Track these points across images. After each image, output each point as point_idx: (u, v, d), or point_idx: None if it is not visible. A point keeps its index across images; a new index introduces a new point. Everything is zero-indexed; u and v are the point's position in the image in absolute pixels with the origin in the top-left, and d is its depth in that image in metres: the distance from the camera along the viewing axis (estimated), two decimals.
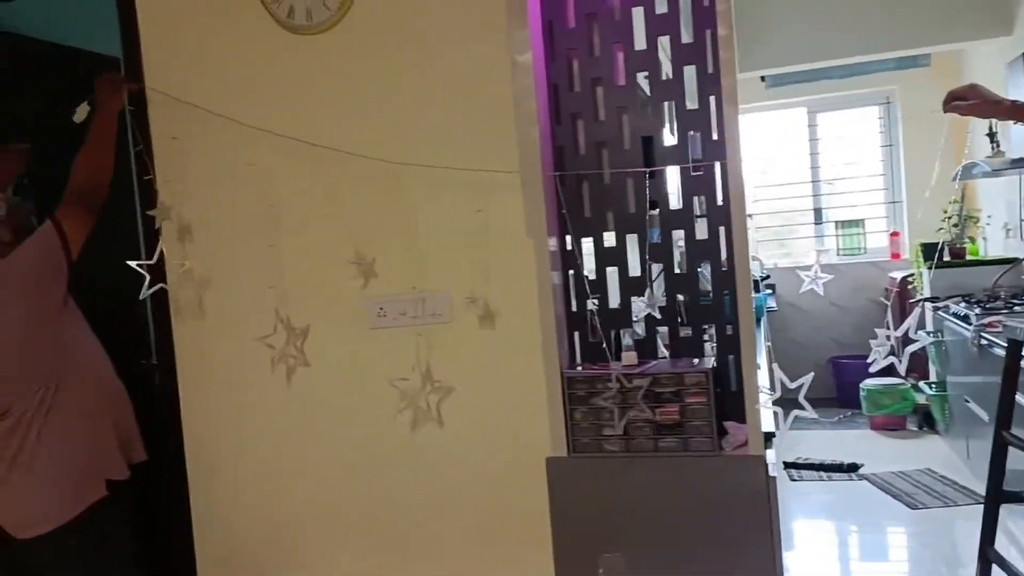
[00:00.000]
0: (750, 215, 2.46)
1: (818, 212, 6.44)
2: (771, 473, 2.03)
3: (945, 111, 2.02)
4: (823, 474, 4.35)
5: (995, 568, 2.44)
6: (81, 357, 1.96)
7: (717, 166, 2.15)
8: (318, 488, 2.36)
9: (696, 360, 2.15)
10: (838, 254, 6.28)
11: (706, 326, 2.24)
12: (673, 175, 2.22)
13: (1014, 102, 2.02)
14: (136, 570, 2.04)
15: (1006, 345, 2.22)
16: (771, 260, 6.40)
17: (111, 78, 2.22)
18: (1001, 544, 3.33)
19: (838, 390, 5.88)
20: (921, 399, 5.02)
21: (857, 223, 6.25)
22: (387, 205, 2.24)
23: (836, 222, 6.33)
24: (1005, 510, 3.55)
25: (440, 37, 2.18)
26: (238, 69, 2.32)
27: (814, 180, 6.41)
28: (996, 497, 1.58)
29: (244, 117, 2.28)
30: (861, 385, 5.25)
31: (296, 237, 2.31)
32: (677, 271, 2.23)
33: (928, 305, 4.78)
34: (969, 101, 2.01)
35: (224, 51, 2.33)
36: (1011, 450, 3.33)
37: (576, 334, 2.29)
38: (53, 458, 1.84)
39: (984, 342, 3.64)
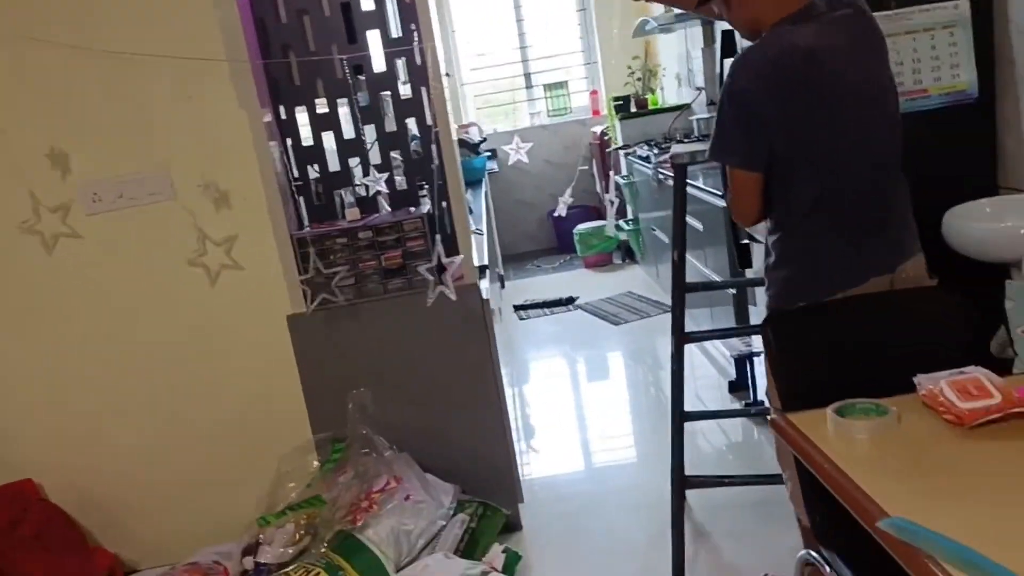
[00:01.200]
0: (447, 74, 2.69)
1: (528, 77, 6.88)
2: (484, 297, 2.38)
3: None
4: (546, 310, 4.95)
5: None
6: None
7: (414, 28, 2.33)
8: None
9: (412, 209, 2.40)
10: (548, 115, 6.81)
11: (420, 179, 2.48)
12: (375, 40, 2.37)
13: None
14: None
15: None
16: (491, 126, 6.79)
17: None
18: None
19: (558, 239, 6.54)
20: (623, 236, 5.78)
21: (562, 85, 6.79)
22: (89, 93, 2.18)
23: (544, 86, 6.82)
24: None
25: None
26: None
27: (522, 46, 6.80)
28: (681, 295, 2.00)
29: None
30: (574, 231, 5.92)
31: None
32: (388, 130, 2.42)
33: (621, 152, 5.44)
34: None
35: None
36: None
37: (302, 199, 2.43)
38: None
39: (662, 177, 4.28)
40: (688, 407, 2.22)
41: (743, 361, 3.09)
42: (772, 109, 1.56)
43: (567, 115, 6.78)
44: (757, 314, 3.03)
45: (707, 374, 3.58)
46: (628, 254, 5.84)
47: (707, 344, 3.73)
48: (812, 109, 1.56)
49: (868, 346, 1.48)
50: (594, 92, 6.77)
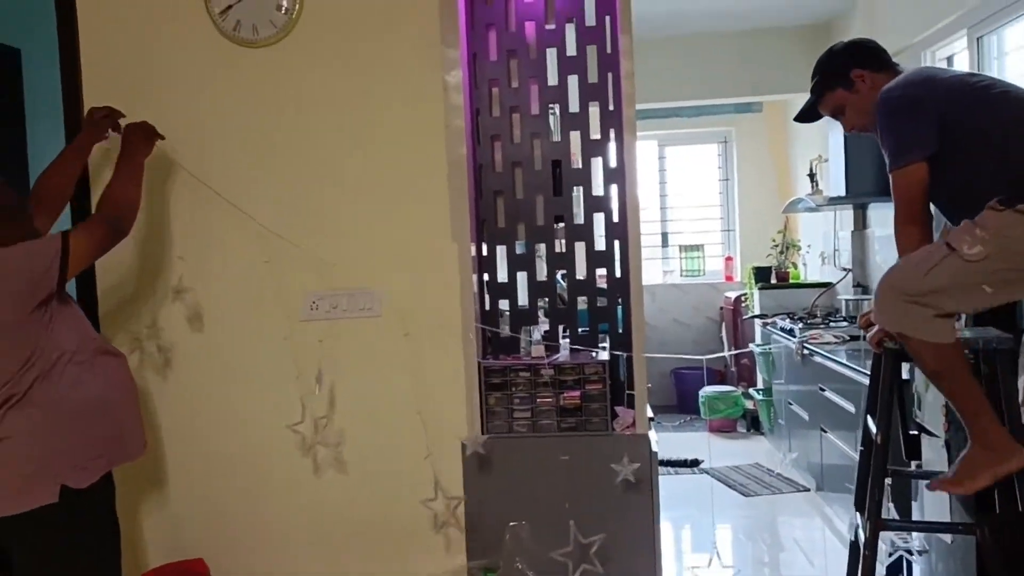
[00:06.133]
0: None
1: (664, 236, 7.09)
2: (653, 448, 2.41)
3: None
4: (670, 469, 4.87)
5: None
6: (54, 367, 1.90)
7: (614, 188, 2.53)
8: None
9: (594, 353, 2.50)
10: (681, 275, 6.95)
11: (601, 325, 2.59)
12: (577, 195, 2.57)
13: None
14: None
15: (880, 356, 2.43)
16: None
17: (146, 128, 2.27)
18: (816, 526, 3.96)
19: (678, 398, 6.50)
20: (750, 404, 5.70)
21: (698, 248, 6.96)
22: (321, 211, 2.45)
23: (680, 246, 7.01)
24: (821, 496, 4.21)
25: (378, 56, 2.42)
26: (181, 78, 2.45)
27: (662, 207, 7.06)
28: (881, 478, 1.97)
29: (187, 127, 2.42)
30: (700, 392, 5.88)
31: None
32: (578, 277, 2.57)
33: (757, 321, 5.47)
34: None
35: (168, 61, 2.46)
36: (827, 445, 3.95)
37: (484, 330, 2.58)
38: (8, 451, 1.85)
39: (806, 352, 4.27)
40: None
41: (899, 562, 2.93)
42: None
43: (700, 276, 6.90)
44: (918, 509, 2.91)
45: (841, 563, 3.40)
46: (754, 424, 5.73)
47: (846, 530, 3.57)
48: None
49: None
50: (729, 258, 6.90)
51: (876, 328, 2.13)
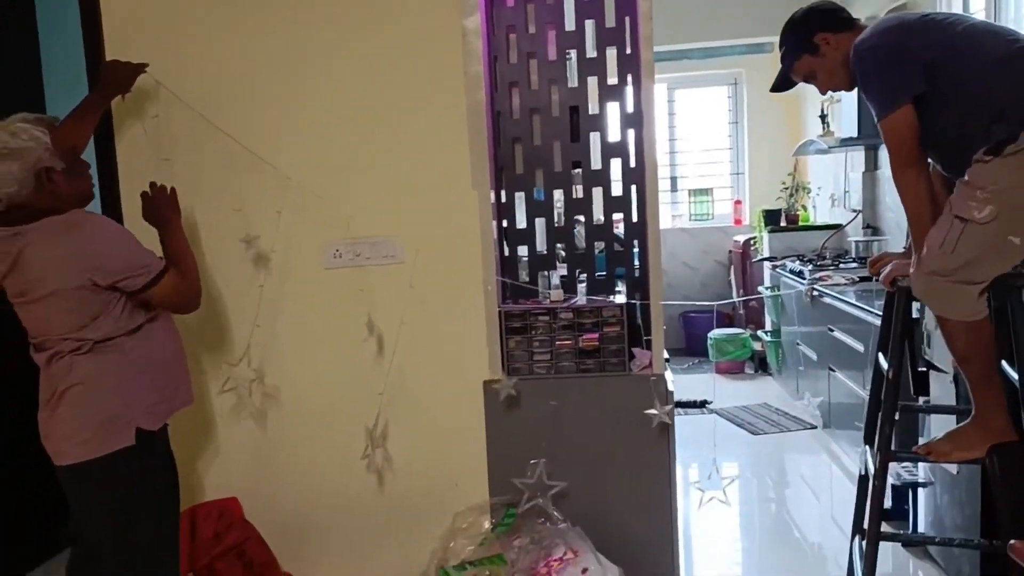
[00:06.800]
0: None
1: (673, 180, 7.09)
2: (670, 388, 2.49)
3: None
4: (680, 410, 4.98)
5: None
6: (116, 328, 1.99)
7: (631, 133, 2.55)
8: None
9: (611, 297, 2.56)
10: (690, 219, 6.97)
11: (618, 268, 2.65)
12: (595, 140, 2.60)
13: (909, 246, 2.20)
14: (158, 511, 2.10)
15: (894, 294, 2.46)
16: None
17: (131, 67, 2.31)
18: (823, 462, 4.07)
19: (687, 340, 6.59)
20: (758, 346, 5.78)
21: (707, 192, 6.96)
22: (344, 161, 2.49)
23: (689, 190, 7.01)
24: (828, 434, 4.32)
25: (397, 3, 2.42)
26: (205, 28, 2.48)
27: (671, 151, 7.04)
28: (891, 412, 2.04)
29: (211, 79, 2.46)
30: (708, 335, 5.96)
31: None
32: (596, 222, 2.62)
33: (767, 264, 5.52)
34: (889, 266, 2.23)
35: (192, 10, 2.47)
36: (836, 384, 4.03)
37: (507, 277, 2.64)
38: (84, 397, 1.94)
39: (816, 293, 4.33)
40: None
41: (904, 490, 3.04)
42: None
43: (708, 221, 6.92)
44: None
45: (847, 499, 3.52)
46: (762, 365, 5.83)
47: (853, 466, 3.68)
48: None
49: None
50: (738, 202, 6.91)
51: (889, 267, 2.19)
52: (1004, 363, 2.03)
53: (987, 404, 2.04)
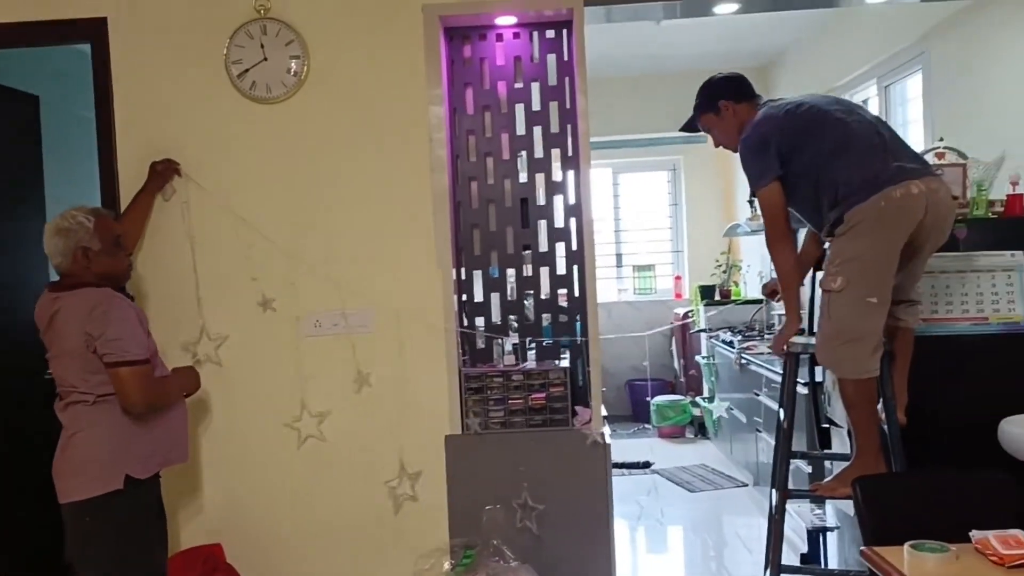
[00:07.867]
0: None
1: (619, 257, 7.60)
2: (607, 440, 2.86)
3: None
4: (624, 470, 5.34)
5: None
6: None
7: (573, 221, 2.99)
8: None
9: (556, 362, 2.96)
10: (634, 293, 7.46)
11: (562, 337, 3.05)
12: (542, 227, 3.03)
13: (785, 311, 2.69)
14: (145, 555, 2.32)
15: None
16: None
17: (171, 165, 2.80)
18: (754, 515, 4.45)
19: (633, 407, 6.98)
20: (697, 412, 6.20)
21: (650, 267, 7.48)
22: (327, 242, 2.88)
23: (633, 266, 7.52)
24: (757, 491, 4.71)
25: (372, 113, 2.86)
26: (205, 131, 2.87)
27: (616, 230, 7.58)
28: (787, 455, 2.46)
29: (210, 174, 2.86)
30: (652, 401, 6.37)
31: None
32: (543, 297, 3.03)
33: (703, 335, 5.99)
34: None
35: (193, 116, 2.87)
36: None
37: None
38: (83, 443, 2.24)
39: (744, 361, 4.79)
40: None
41: (816, 535, 3.43)
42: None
43: (651, 294, 7.42)
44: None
45: None
46: (700, 430, 6.24)
47: None
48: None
49: (935, 508, 1.92)
50: (678, 277, 7.43)
51: (777, 336, 2.64)
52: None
53: (867, 446, 2.45)
